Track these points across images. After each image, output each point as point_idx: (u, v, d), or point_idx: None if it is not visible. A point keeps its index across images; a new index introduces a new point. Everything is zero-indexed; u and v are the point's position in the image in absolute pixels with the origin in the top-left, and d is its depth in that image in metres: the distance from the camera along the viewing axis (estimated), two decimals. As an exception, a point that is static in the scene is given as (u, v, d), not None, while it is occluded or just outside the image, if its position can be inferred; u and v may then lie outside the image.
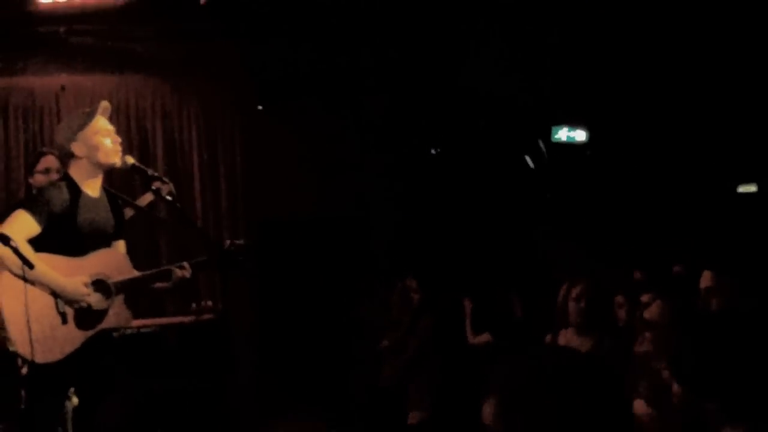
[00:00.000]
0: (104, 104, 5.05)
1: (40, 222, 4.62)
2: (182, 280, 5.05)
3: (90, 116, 4.94)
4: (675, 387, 4.22)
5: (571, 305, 5.97)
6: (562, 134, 9.31)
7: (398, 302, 7.73)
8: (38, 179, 6.11)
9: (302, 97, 8.54)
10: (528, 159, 9.49)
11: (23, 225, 4.57)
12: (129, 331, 6.53)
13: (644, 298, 5.65)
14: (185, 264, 5.04)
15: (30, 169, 6.37)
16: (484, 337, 6.86)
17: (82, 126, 4.89)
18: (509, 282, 7.63)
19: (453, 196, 9.10)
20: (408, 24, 7.87)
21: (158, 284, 5.16)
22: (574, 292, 5.98)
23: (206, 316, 7.19)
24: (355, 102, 8.60)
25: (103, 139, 4.88)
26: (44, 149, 6.46)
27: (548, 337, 6.16)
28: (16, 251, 3.94)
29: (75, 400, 4.91)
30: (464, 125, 9.14)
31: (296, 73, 8.36)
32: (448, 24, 7.82)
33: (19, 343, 4.48)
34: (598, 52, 8.15)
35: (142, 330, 6.79)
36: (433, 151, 9.53)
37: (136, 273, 5.01)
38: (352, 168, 8.71)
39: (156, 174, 5.21)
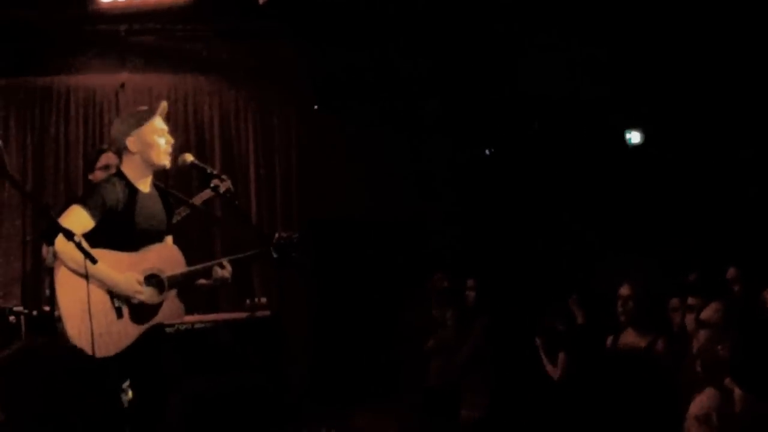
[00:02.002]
0: (164, 105, 5.10)
1: (94, 217, 4.68)
2: (224, 281, 5.09)
3: (150, 114, 5.00)
4: (737, 392, 4.20)
5: (620, 306, 5.98)
6: (635, 137, 9.22)
7: (436, 302, 7.74)
8: (98, 176, 6.21)
9: (358, 97, 8.56)
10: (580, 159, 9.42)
11: (78, 220, 4.63)
12: (183, 327, 6.62)
13: (691, 301, 5.64)
14: (225, 263, 5.07)
15: (90, 166, 6.46)
16: (561, 359, 6.72)
17: (141, 123, 4.94)
18: (567, 286, 7.58)
19: (507, 198, 9.07)
20: (463, 26, 7.86)
21: (201, 281, 5.19)
22: (622, 293, 5.99)
23: (260, 313, 7.23)
24: (410, 103, 8.60)
25: (158, 139, 4.93)
26: (104, 146, 6.55)
27: (609, 339, 6.16)
28: (79, 246, 3.99)
29: (130, 394, 4.98)
30: (518, 126, 9.10)
31: (353, 73, 8.38)
32: (503, 25, 7.81)
33: (76, 338, 4.54)
34: (654, 53, 8.08)
35: (196, 326, 6.85)
36: (487, 152, 9.51)
37: (187, 268, 5.06)
38: (406, 169, 8.72)
39: (214, 171, 5.26)
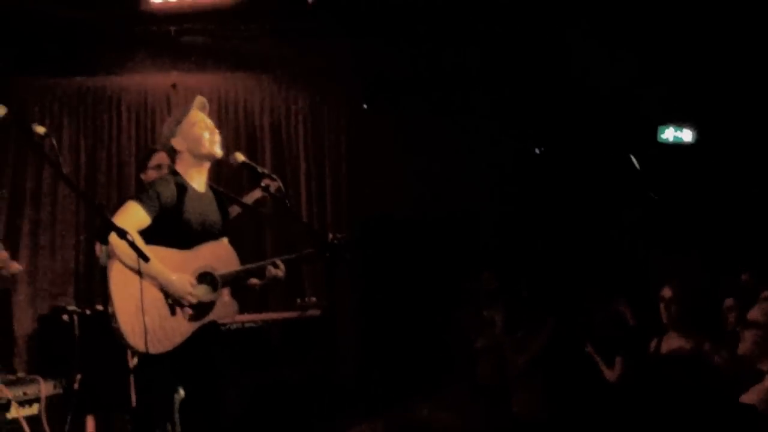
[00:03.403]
0: (200, 99, 5.13)
1: (150, 213, 4.72)
2: (276, 280, 5.10)
3: (186, 110, 5.04)
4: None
5: (662, 308, 5.90)
6: (669, 134, 9.14)
7: (486, 302, 7.71)
8: (150, 175, 6.26)
9: (408, 95, 8.54)
10: (633, 159, 9.34)
11: (134, 216, 4.67)
12: (234, 326, 6.64)
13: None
14: (278, 262, 5.08)
15: (142, 166, 6.52)
16: (618, 364, 6.64)
17: (179, 120, 4.99)
18: (616, 287, 7.52)
19: (557, 196, 9.00)
20: (513, 21, 7.82)
21: (254, 281, 5.21)
22: (664, 295, 5.90)
23: (311, 312, 7.24)
24: (461, 99, 8.57)
25: (200, 132, 4.96)
26: (156, 146, 6.60)
27: (653, 342, 6.08)
28: (132, 244, 4.02)
29: (182, 392, 5.00)
30: (570, 123, 9.03)
31: (402, 71, 8.37)
32: (554, 21, 7.76)
33: (129, 334, 4.57)
34: (707, 49, 7.99)
35: (246, 325, 6.87)
36: (537, 150, 9.45)
37: (240, 267, 5.07)
38: (456, 166, 8.68)
39: (265, 171, 5.27)
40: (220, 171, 5.40)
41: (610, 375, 6.57)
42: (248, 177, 5.54)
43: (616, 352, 6.57)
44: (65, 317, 6.90)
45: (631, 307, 7.05)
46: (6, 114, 4.13)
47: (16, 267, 5.42)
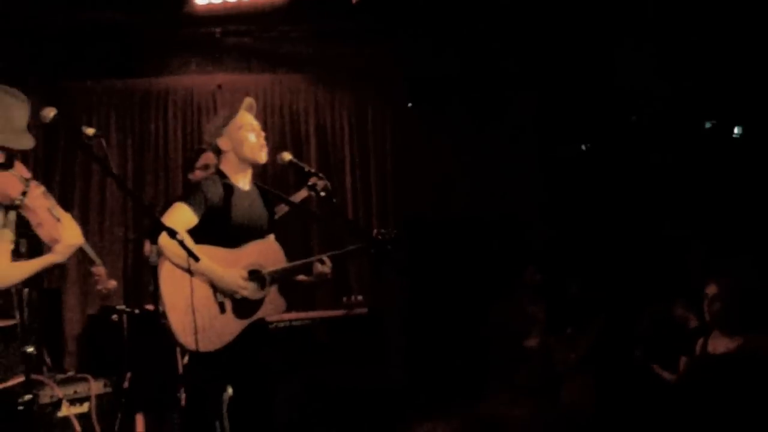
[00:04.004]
0: (248, 100, 5.17)
1: (197, 213, 4.76)
2: (323, 277, 5.11)
3: (234, 112, 5.08)
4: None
5: (706, 305, 5.83)
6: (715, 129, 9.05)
7: (530, 297, 7.68)
8: (197, 175, 6.31)
9: (453, 94, 8.53)
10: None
11: (182, 216, 4.72)
12: (282, 324, 6.67)
13: None
14: (326, 259, 5.10)
15: (189, 165, 6.56)
16: (684, 364, 6.54)
17: (227, 121, 5.03)
18: (666, 286, 7.46)
19: (603, 194, 8.95)
20: (559, 20, 7.79)
21: (301, 277, 5.23)
22: (708, 292, 5.83)
23: (357, 311, 7.25)
24: (505, 98, 8.55)
25: (247, 134, 4.99)
26: (203, 146, 6.65)
27: (699, 342, 6.02)
28: (182, 244, 4.06)
29: (230, 390, 5.04)
30: (615, 120, 8.98)
31: (447, 70, 8.36)
32: (599, 19, 7.72)
33: (180, 333, 4.61)
34: (750, 48, 7.91)
35: (293, 323, 6.90)
36: (583, 147, 9.40)
37: (288, 264, 5.10)
38: (501, 165, 8.66)
39: (312, 169, 5.30)
40: (266, 169, 5.42)
41: (670, 377, 6.47)
42: (295, 175, 5.56)
43: (672, 352, 6.49)
44: (114, 317, 6.97)
45: (690, 308, 6.98)
46: (56, 116, 4.20)
47: (112, 284, 5.50)
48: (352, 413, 6.76)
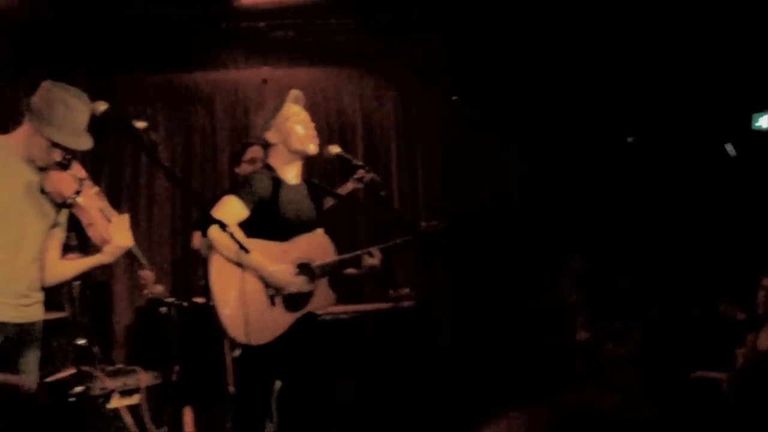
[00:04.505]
0: (294, 92, 5.17)
1: (247, 207, 4.78)
2: (372, 269, 5.11)
3: (280, 103, 5.09)
4: None
5: (760, 297, 5.77)
6: (764, 121, 8.93)
7: (572, 284, 7.63)
8: (244, 168, 6.33)
9: (499, 87, 8.49)
10: (728, 147, 9.14)
11: (233, 210, 4.74)
12: (329, 318, 6.68)
13: None
14: (375, 251, 5.09)
15: (236, 159, 6.59)
16: (740, 357, 6.44)
17: (274, 114, 5.04)
18: (713, 281, 7.38)
19: (651, 186, 8.87)
20: (607, 10, 7.72)
21: (350, 270, 5.23)
22: (766, 283, 5.76)
23: (404, 304, 7.25)
24: (552, 91, 8.49)
25: (294, 126, 4.99)
26: (250, 140, 6.67)
27: (750, 337, 5.95)
28: (232, 237, 4.08)
29: (278, 383, 5.06)
30: (661, 113, 8.89)
31: (494, 63, 8.32)
32: (648, 8, 7.64)
33: (231, 326, 4.63)
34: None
35: (340, 316, 6.91)
36: (629, 139, 9.31)
37: (337, 257, 5.11)
38: (549, 159, 8.60)
39: (360, 163, 5.29)
40: (313, 163, 5.43)
41: (719, 375, 6.37)
42: (341, 169, 5.56)
43: (721, 347, 6.42)
44: (163, 309, 7.02)
45: (736, 303, 6.90)
46: (107, 109, 4.23)
47: (158, 289, 5.57)
48: (407, 407, 6.74)
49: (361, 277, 5.27)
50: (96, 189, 4.28)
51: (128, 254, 4.58)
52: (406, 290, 7.38)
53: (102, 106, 4.22)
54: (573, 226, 8.65)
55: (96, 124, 7.80)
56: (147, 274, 5.36)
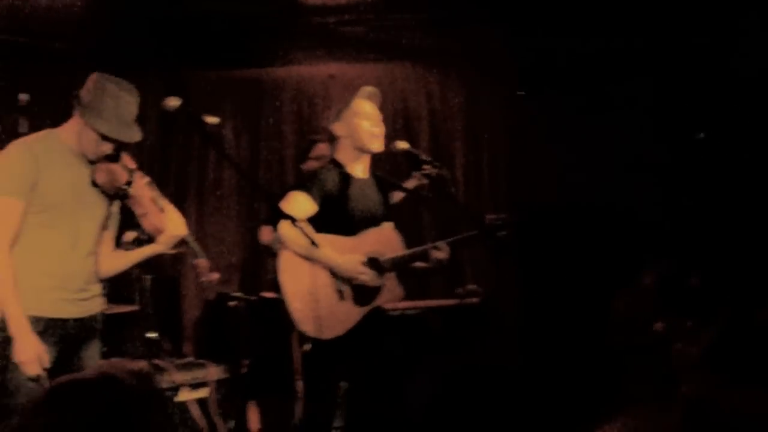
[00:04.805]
0: (367, 89, 5.20)
1: (315, 202, 4.81)
2: (440, 263, 5.10)
3: (351, 98, 5.11)
4: None
5: None
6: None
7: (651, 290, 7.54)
8: (310, 165, 6.35)
9: (565, 82, 8.40)
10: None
11: (302, 205, 4.77)
12: (395, 313, 6.69)
13: None
14: (442, 245, 5.08)
15: (302, 156, 6.62)
16: None
17: (344, 107, 5.07)
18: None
19: (722, 183, 8.72)
20: (673, 6, 7.61)
21: (418, 264, 5.22)
22: None
23: (470, 300, 7.22)
24: (619, 85, 8.39)
25: (361, 122, 5.02)
26: (317, 137, 6.70)
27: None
28: (302, 232, 4.09)
29: (345, 383, 5.06)
30: (733, 108, 8.74)
31: (560, 57, 8.24)
32: (719, 6, 7.52)
33: (301, 320, 4.66)
34: None
35: (407, 312, 6.90)
36: (700, 135, 9.17)
37: (405, 251, 5.10)
38: (616, 155, 8.50)
39: (428, 158, 5.28)
40: (380, 158, 5.44)
41: None
42: (408, 164, 5.56)
43: None
44: (231, 304, 7.08)
45: None
46: (179, 105, 4.26)
47: (215, 276, 5.60)
48: (475, 404, 6.70)
49: (428, 272, 5.27)
50: (147, 179, 4.30)
51: (183, 245, 4.60)
52: (473, 286, 7.35)
53: (174, 102, 4.24)
54: (640, 220, 8.53)
55: (165, 120, 7.94)
56: (202, 262, 5.39)
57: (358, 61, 8.40)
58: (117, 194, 4.24)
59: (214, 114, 4.47)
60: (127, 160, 4.26)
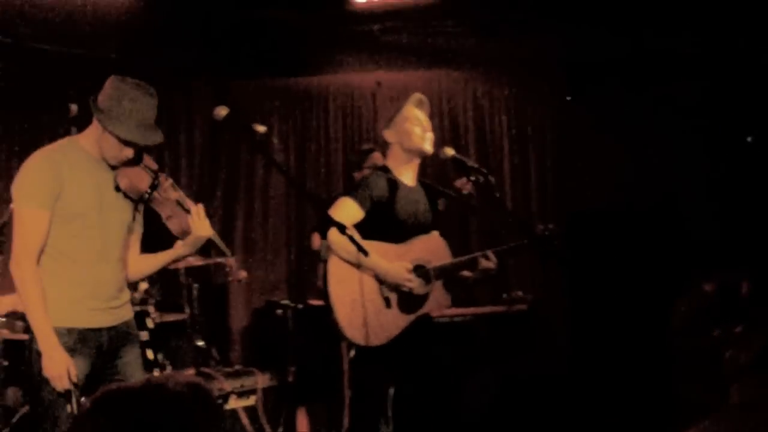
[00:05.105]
0: (417, 96, 5.21)
1: (363, 209, 4.81)
2: (488, 272, 5.07)
3: (402, 105, 5.13)
4: None
5: None
6: None
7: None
8: (365, 174, 6.36)
9: (613, 85, 8.35)
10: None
11: (349, 211, 4.77)
12: (443, 320, 6.67)
13: None
14: (490, 254, 5.06)
15: (357, 165, 6.63)
16: None
17: (395, 114, 5.09)
18: None
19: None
20: (722, 4, 7.53)
21: (465, 273, 5.21)
22: None
23: (518, 307, 7.19)
24: (669, 88, 8.31)
25: (412, 127, 5.02)
26: (372, 146, 6.71)
27: None
28: (351, 239, 4.08)
29: (392, 390, 5.05)
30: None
31: (608, 60, 8.18)
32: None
33: (347, 327, 4.66)
34: None
35: (455, 319, 6.88)
36: (749, 139, 9.06)
37: (452, 259, 5.09)
38: (665, 158, 8.42)
39: (475, 165, 5.26)
40: (425, 165, 5.44)
41: None
42: (455, 171, 5.54)
43: None
44: (279, 312, 7.12)
45: None
46: (228, 114, 4.26)
47: (243, 274, 5.63)
48: (524, 410, 6.67)
49: (475, 280, 5.24)
50: (170, 181, 4.24)
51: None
52: (520, 293, 7.32)
53: (223, 111, 4.23)
54: (691, 225, 8.44)
55: (213, 129, 7.99)
56: (230, 261, 5.42)
57: (404, 68, 8.40)
58: (142, 198, 4.22)
59: (261, 122, 4.47)
60: (148, 161, 4.23)
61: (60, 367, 3.91)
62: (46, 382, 3.92)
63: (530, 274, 8.23)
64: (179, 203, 4.25)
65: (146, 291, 6.04)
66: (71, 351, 3.99)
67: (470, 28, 7.92)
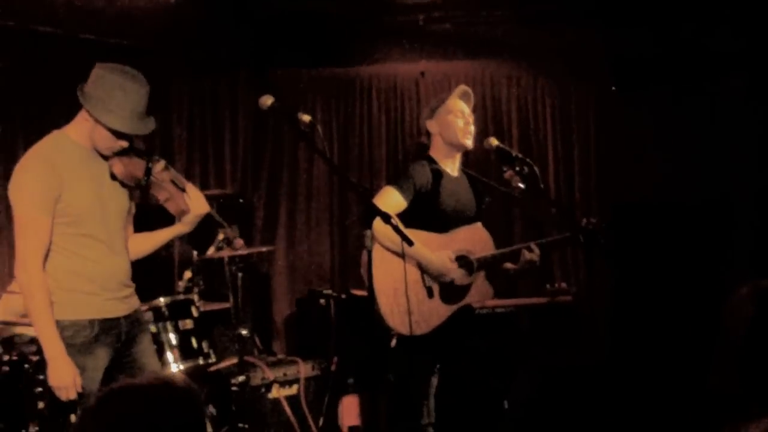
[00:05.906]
0: (462, 88, 5.20)
1: (406, 197, 4.81)
2: (531, 264, 5.06)
3: (446, 96, 5.12)
4: None
5: None
6: None
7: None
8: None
9: (659, 79, 8.27)
10: None
11: (392, 200, 4.77)
12: (485, 311, 6.65)
13: None
14: (533, 246, 5.05)
15: (412, 157, 6.61)
16: None
17: (438, 104, 5.09)
18: None
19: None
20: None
21: (508, 265, 5.19)
22: None
23: (561, 299, 7.14)
24: (714, 79, 8.22)
25: (455, 119, 5.02)
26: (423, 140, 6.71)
27: None
28: (396, 228, 4.08)
29: (435, 380, 5.05)
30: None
31: (653, 52, 8.10)
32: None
33: (388, 316, 4.66)
34: None
35: (497, 310, 6.85)
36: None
37: (496, 251, 5.08)
38: (710, 151, 8.34)
39: (519, 155, 5.24)
40: (469, 156, 5.43)
41: None
42: (499, 162, 5.53)
43: None
44: (322, 301, 7.13)
45: None
46: (273, 104, 4.26)
47: (239, 243, 5.64)
48: (566, 402, 6.64)
49: (518, 272, 5.23)
50: (163, 162, 4.20)
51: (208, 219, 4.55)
52: (563, 285, 7.27)
53: (269, 100, 4.23)
54: (734, 218, 8.35)
55: (257, 119, 8.02)
56: (228, 233, 5.45)
57: (448, 59, 8.37)
58: (139, 184, 4.21)
59: (306, 112, 4.47)
60: (138, 143, 4.21)
61: (66, 378, 3.88)
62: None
63: (575, 266, 8.18)
64: (174, 182, 4.24)
65: (190, 280, 6.07)
66: (95, 341, 4.01)
67: (516, 18, 7.88)
